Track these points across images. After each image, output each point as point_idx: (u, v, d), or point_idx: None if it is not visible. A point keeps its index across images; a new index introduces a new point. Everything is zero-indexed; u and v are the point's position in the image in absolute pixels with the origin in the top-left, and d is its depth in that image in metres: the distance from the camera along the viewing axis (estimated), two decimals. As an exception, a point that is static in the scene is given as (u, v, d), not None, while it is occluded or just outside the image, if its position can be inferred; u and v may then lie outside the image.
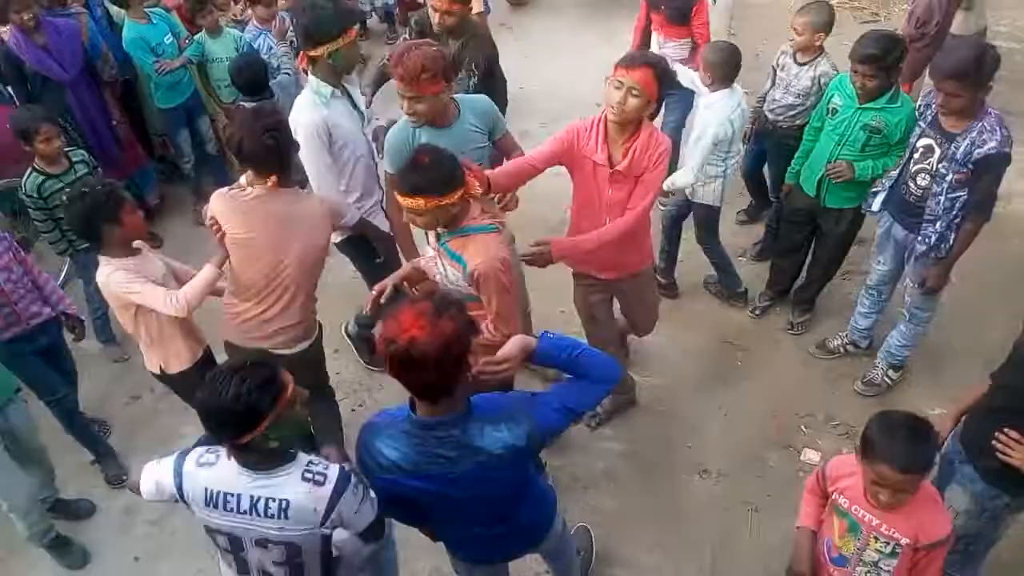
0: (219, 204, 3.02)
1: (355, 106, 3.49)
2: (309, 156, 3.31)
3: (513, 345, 2.16)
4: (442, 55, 3.04)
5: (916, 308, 3.75)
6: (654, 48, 4.71)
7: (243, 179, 3.12)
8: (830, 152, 3.74)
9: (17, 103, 4.63)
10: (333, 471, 2.14)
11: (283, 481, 2.13)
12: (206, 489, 2.18)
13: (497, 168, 3.24)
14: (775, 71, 4.28)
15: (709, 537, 3.52)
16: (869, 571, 2.41)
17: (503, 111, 4.50)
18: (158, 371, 3.27)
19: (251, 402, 1.99)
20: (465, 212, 2.69)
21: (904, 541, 2.30)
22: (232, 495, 2.15)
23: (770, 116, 4.33)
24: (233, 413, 2.00)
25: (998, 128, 3.15)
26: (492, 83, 4.23)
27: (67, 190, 3.86)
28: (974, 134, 3.17)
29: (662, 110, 4.93)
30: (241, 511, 2.16)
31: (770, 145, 4.45)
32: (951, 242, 3.39)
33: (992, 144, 3.13)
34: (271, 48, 4.92)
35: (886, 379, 4.03)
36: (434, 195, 2.54)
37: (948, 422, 2.80)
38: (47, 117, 3.89)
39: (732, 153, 4.05)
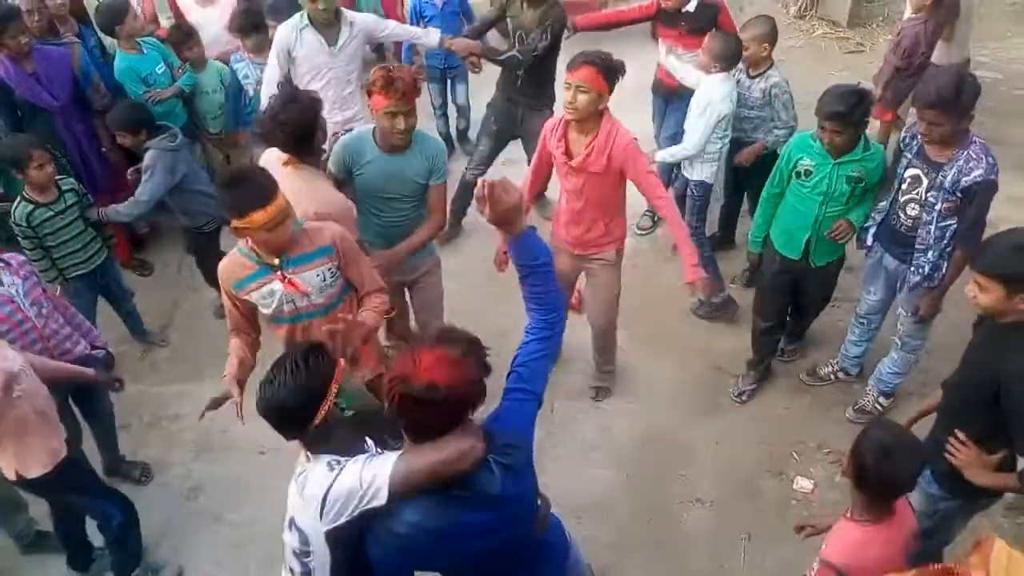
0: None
1: (333, 42, 4.30)
2: (270, 59, 4.38)
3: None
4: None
5: (908, 336, 3.77)
6: (662, 57, 4.62)
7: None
8: (816, 213, 3.63)
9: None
10: (352, 464, 1.99)
11: (314, 464, 2.06)
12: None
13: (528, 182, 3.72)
14: None
15: (703, 566, 3.49)
16: None
17: (550, 104, 4.61)
18: (14, 477, 2.96)
19: (310, 373, 2.01)
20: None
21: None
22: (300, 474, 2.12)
23: (732, 133, 4.31)
24: (298, 392, 2.01)
25: (984, 156, 3.19)
26: (551, 58, 4.50)
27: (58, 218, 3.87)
28: (961, 162, 3.20)
29: (662, 121, 5.02)
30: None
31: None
32: (944, 271, 3.41)
33: (979, 172, 3.17)
34: (251, 77, 4.92)
35: (877, 406, 4.04)
36: (265, 204, 2.57)
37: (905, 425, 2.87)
38: (38, 143, 3.85)
39: (727, 136, 4.19)
